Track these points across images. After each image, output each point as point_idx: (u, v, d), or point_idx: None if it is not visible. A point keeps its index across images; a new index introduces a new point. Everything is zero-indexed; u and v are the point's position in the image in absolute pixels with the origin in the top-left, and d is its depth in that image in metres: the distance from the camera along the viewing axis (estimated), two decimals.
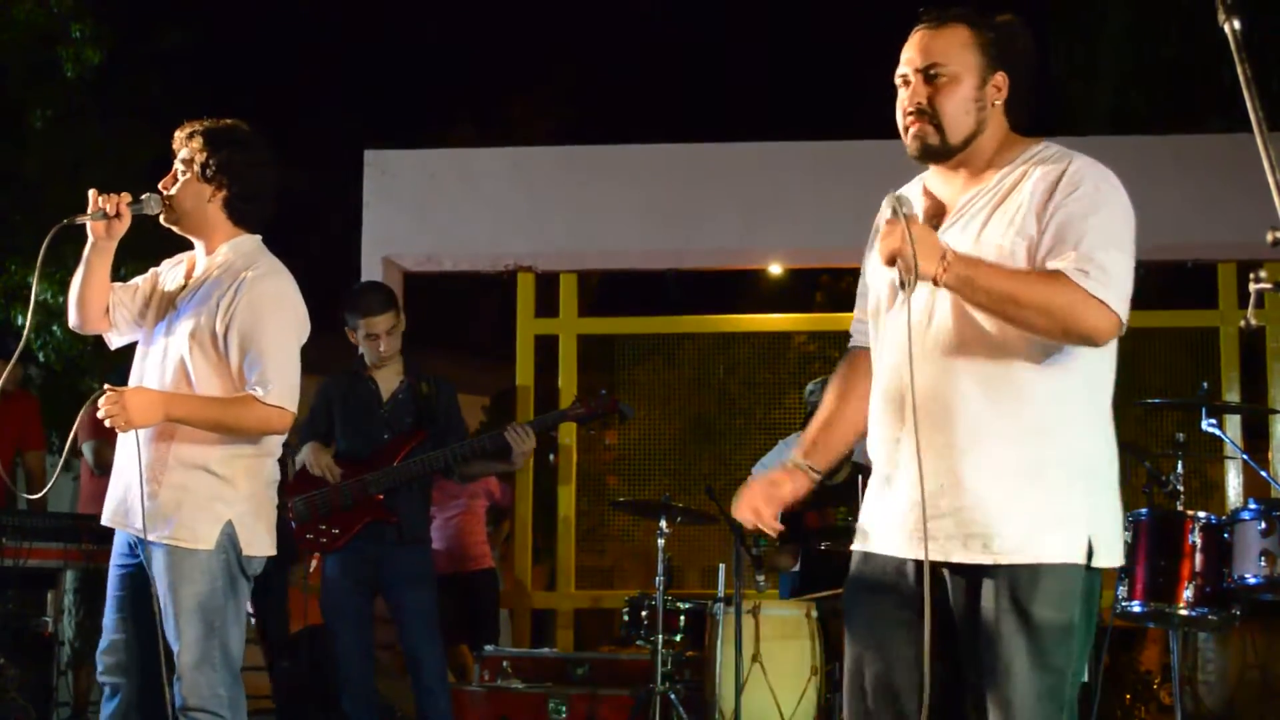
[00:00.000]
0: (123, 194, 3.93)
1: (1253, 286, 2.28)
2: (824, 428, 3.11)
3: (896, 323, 2.85)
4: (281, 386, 3.88)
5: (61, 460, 4.56)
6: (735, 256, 8.40)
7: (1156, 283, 10.92)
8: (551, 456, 8.58)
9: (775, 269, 8.99)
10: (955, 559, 2.75)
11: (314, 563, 5.97)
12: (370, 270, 7.97)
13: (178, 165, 4.04)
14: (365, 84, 18.94)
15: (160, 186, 4.04)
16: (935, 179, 2.92)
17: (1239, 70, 2.23)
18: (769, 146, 8.11)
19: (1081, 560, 2.76)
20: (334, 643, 5.70)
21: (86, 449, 6.91)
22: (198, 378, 3.94)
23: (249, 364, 3.89)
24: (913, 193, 2.95)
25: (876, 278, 2.98)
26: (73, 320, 4.15)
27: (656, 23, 18.27)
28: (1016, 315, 2.67)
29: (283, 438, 4.07)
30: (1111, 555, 2.81)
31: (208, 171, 3.98)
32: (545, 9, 18.60)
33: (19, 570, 6.36)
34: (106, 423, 3.80)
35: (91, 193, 3.94)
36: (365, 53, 19.19)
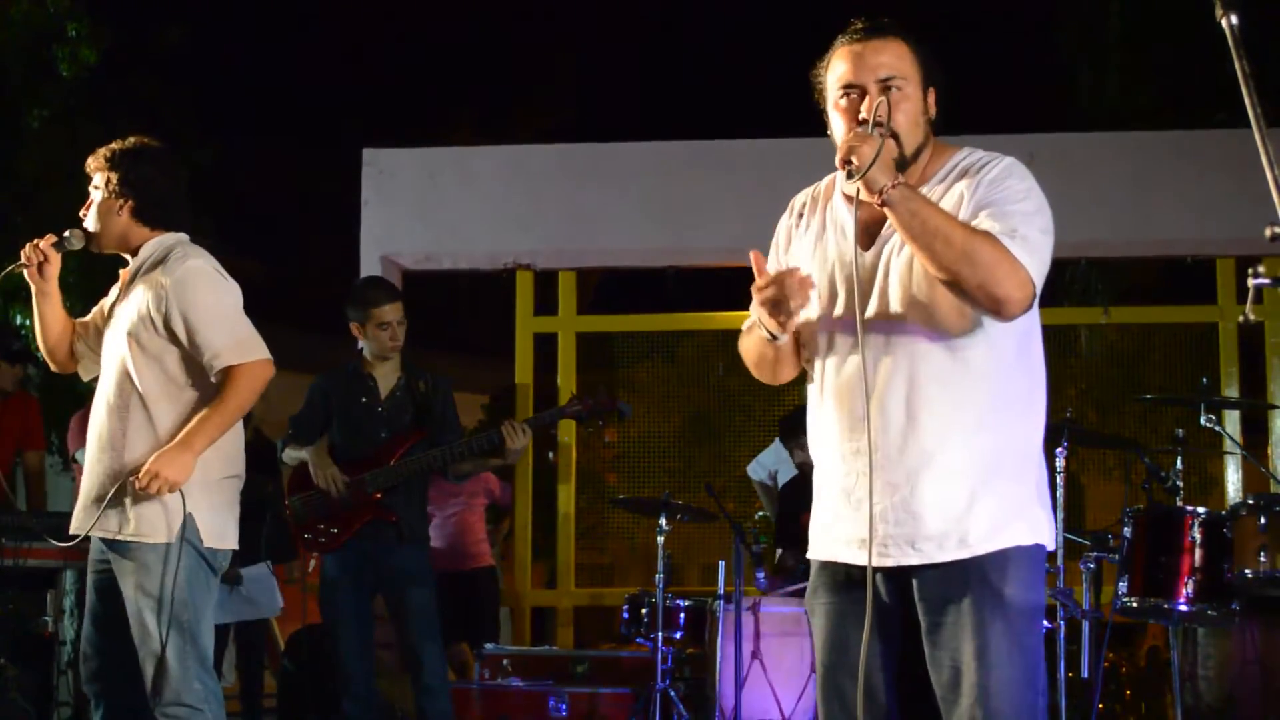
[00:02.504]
0: (47, 236, 4.20)
1: (1252, 282, 2.28)
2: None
3: (843, 342, 2.87)
4: (233, 345, 4.05)
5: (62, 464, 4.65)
6: (734, 254, 8.28)
7: (1156, 278, 10.96)
8: (551, 454, 8.58)
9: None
10: (932, 560, 2.78)
11: (313, 562, 5.97)
12: (369, 269, 7.97)
13: (90, 191, 4.25)
14: (363, 83, 18.92)
15: (80, 216, 4.26)
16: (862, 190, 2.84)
17: (1237, 66, 2.24)
18: (767, 143, 8.10)
19: (1045, 540, 2.84)
20: (333, 642, 5.69)
21: (79, 455, 6.92)
22: (139, 376, 4.08)
23: (197, 346, 4.04)
24: (837, 203, 2.95)
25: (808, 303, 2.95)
26: (52, 366, 4.42)
27: (655, 20, 18.25)
28: (944, 254, 2.67)
29: (239, 429, 4.20)
30: (1052, 537, 2.89)
31: (110, 187, 4.19)
32: (544, 7, 18.59)
33: (19, 570, 6.36)
34: (161, 495, 3.96)
35: (23, 251, 4.20)
36: (363, 51, 19.17)
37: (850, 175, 2.70)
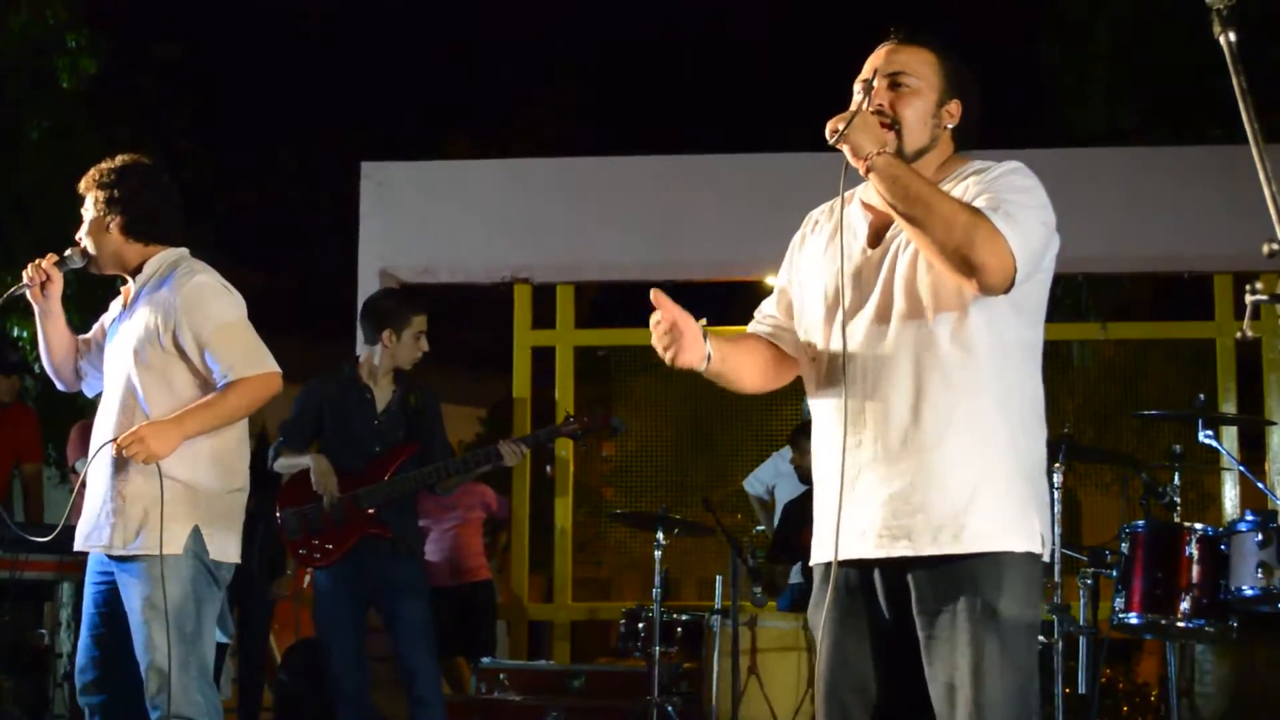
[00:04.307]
0: (48, 255, 4.24)
1: (1249, 298, 2.28)
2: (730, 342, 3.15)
3: (844, 344, 2.89)
4: (244, 359, 4.09)
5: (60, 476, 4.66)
6: (731, 268, 8.40)
7: (1153, 294, 10.97)
8: (548, 469, 8.58)
9: (771, 280, 8.99)
10: (926, 552, 2.78)
11: (306, 576, 5.94)
12: (367, 281, 7.97)
13: (84, 213, 4.27)
14: (362, 96, 18.94)
15: (76, 239, 4.28)
16: (875, 194, 2.91)
17: (1234, 82, 2.24)
18: (765, 158, 8.12)
19: (1040, 551, 2.84)
20: (327, 655, 5.66)
21: (79, 466, 6.92)
22: (145, 393, 4.09)
23: (209, 360, 4.07)
24: (853, 207, 3.01)
25: (812, 300, 3.03)
26: (58, 385, 4.46)
27: (654, 35, 18.30)
28: (924, 220, 2.71)
29: (245, 442, 4.23)
30: (1047, 548, 2.89)
31: (98, 206, 4.22)
32: (541, 22, 18.63)
33: (15, 582, 6.35)
34: (137, 460, 3.97)
35: (24, 272, 4.25)
36: (362, 65, 19.20)
37: (835, 137, 2.76)
